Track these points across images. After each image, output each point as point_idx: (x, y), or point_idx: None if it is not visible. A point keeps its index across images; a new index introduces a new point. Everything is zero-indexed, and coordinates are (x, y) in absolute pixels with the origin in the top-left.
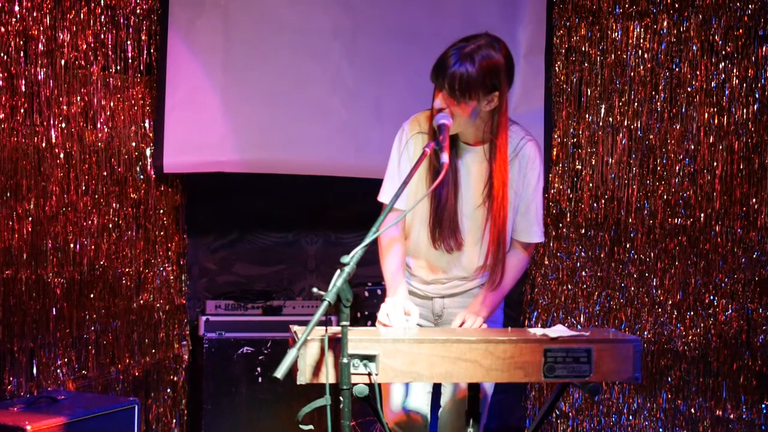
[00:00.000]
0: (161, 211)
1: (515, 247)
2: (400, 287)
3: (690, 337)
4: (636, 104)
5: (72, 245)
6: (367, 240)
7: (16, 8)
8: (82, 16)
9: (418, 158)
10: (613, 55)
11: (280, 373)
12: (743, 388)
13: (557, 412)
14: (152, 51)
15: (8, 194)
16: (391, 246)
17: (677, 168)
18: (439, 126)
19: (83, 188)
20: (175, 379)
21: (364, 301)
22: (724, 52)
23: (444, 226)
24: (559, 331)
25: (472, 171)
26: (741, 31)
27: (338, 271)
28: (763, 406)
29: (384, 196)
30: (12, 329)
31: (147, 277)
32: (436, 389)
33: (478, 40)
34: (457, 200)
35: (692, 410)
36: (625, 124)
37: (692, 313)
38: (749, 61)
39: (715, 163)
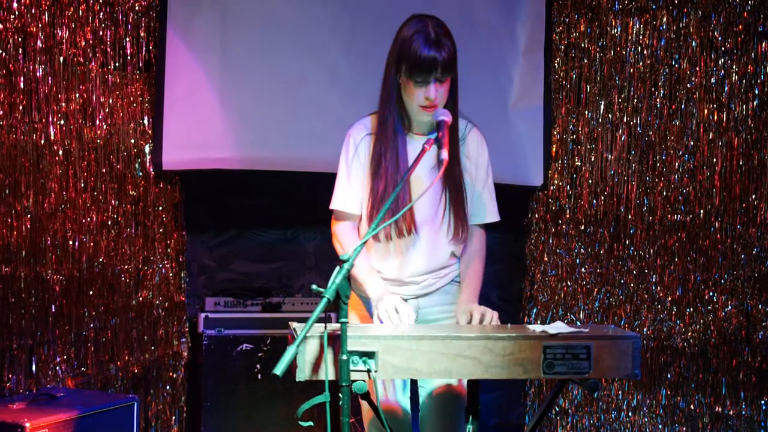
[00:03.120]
0: (160, 208)
1: (473, 229)
2: (379, 282)
3: (689, 334)
4: (635, 100)
5: (71, 242)
6: (366, 237)
7: (15, 5)
8: (80, 13)
9: (417, 154)
10: (612, 52)
11: (279, 369)
12: (743, 384)
13: (556, 409)
14: (151, 48)
15: (7, 191)
16: (352, 244)
17: (677, 164)
18: (439, 122)
19: (82, 185)
20: (175, 376)
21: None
22: (723, 49)
23: (392, 213)
24: (558, 327)
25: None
26: (740, 27)
27: (337, 268)
28: (763, 402)
29: (337, 203)
30: (11, 327)
31: (146, 275)
32: (413, 385)
33: (424, 22)
34: (405, 185)
35: (692, 407)
36: (625, 120)
37: (692, 309)
38: (749, 58)
39: (714, 160)
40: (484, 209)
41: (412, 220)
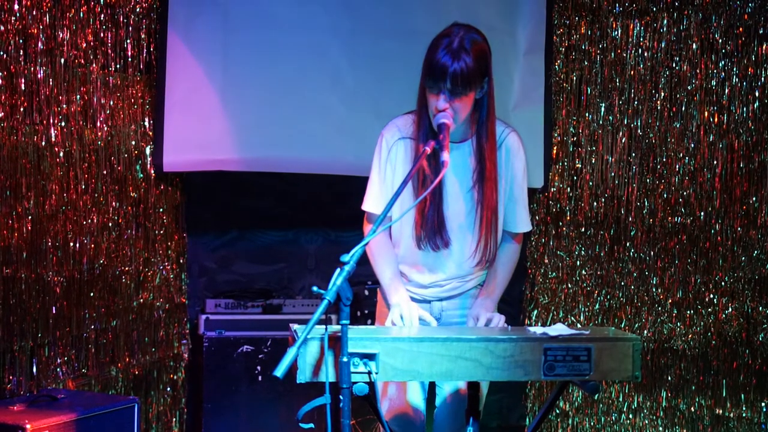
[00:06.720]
0: (161, 210)
1: (506, 238)
2: (402, 289)
3: (690, 336)
4: (636, 103)
5: (72, 244)
6: (367, 239)
7: (16, 6)
8: (81, 15)
9: (417, 158)
10: (613, 54)
11: (280, 371)
12: (743, 386)
13: (557, 411)
14: (152, 49)
15: (8, 193)
16: (382, 249)
17: (677, 166)
18: (440, 125)
19: (83, 187)
20: (175, 377)
21: (364, 299)
22: (724, 51)
23: (428, 226)
24: (559, 329)
25: (455, 165)
26: (741, 29)
27: (338, 270)
28: (763, 404)
29: (368, 205)
30: (12, 328)
31: (147, 276)
32: (431, 386)
33: (458, 31)
34: (441, 197)
35: (692, 409)
36: (625, 122)
37: (692, 311)
38: (749, 60)
39: (715, 162)
40: (517, 218)
41: (443, 232)
